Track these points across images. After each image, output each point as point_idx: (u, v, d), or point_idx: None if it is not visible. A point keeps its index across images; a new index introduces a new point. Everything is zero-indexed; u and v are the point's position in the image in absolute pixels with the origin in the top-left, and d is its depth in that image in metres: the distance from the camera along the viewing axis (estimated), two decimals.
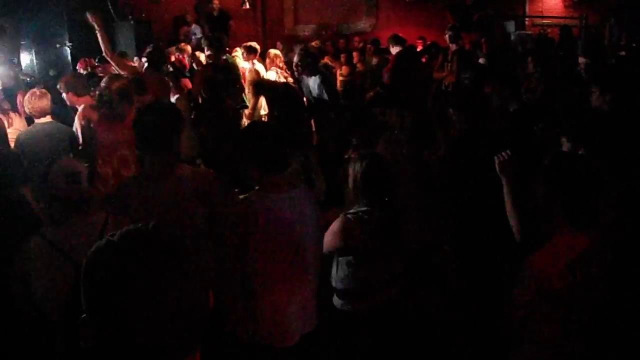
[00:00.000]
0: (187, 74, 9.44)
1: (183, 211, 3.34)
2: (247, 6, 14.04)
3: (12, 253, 2.91)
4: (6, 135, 4.97)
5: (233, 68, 8.38)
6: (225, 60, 8.05)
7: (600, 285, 2.52)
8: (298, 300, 3.17)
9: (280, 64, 9.87)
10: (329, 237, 3.46)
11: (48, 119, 5.64)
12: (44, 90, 5.81)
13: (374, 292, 3.58)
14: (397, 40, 9.07)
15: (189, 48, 10.72)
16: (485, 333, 3.92)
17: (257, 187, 3.13)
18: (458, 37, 9.63)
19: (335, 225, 3.48)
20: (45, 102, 5.58)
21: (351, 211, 3.51)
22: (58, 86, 6.19)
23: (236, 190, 3.68)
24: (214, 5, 13.28)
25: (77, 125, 5.67)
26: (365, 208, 3.49)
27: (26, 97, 5.65)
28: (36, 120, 5.56)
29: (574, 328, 2.52)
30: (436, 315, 4.65)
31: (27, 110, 5.63)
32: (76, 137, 5.59)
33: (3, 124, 5.07)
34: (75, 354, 2.77)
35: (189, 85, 8.44)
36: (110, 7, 10.61)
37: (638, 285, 2.80)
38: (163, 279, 1.21)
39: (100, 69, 8.98)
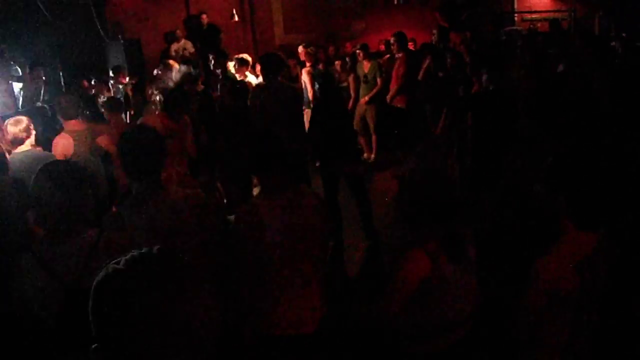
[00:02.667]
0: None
1: (177, 233, 3.26)
2: (237, 19, 14.06)
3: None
4: (6, 162, 4.89)
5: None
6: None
7: (607, 283, 2.50)
8: (303, 294, 3.28)
9: None
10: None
11: (27, 147, 5.43)
12: (20, 117, 5.61)
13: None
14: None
15: (176, 65, 10.69)
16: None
17: (259, 192, 3.28)
18: (445, 38, 9.65)
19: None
20: (19, 129, 5.37)
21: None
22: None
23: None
24: (202, 20, 13.30)
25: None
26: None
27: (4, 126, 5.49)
28: (13, 151, 5.30)
29: (583, 329, 2.50)
30: None
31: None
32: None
33: (3, 150, 4.99)
34: None
35: None
36: (99, 27, 10.60)
37: None
38: (172, 302, 1.21)
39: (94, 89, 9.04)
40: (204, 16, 13.33)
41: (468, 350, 3.01)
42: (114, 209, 3.38)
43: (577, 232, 2.52)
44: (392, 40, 9.23)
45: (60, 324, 2.77)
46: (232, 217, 3.32)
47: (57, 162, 2.95)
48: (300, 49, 10.71)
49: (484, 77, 6.37)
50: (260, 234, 3.13)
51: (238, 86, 7.10)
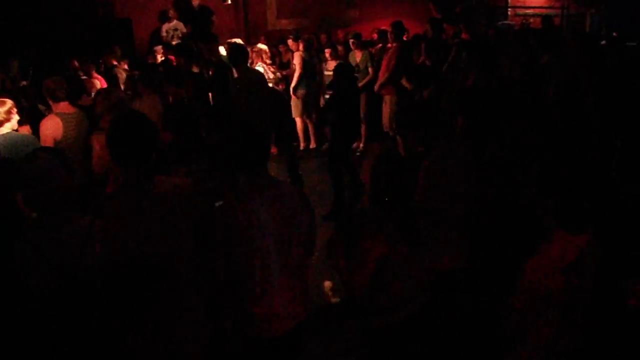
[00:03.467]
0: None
1: (164, 225, 3.21)
2: (229, 2, 13.95)
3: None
4: None
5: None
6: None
7: (592, 283, 2.52)
8: (285, 293, 3.27)
9: (267, 60, 9.93)
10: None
11: (7, 129, 5.39)
12: (3, 99, 5.54)
13: (395, 306, 3.35)
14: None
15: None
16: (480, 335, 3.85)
17: (235, 188, 3.22)
18: (438, 29, 9.62)
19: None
20: (4, 110, 5.34)
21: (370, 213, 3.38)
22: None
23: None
24: (192, 2, 13.14)
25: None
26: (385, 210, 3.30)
27: None
28: None
29: (569, 328, 2.53)
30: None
31: None
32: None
33: None
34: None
35: None
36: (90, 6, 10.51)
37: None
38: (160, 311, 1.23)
39: None
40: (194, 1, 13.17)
41: (423, 321, 3.37)
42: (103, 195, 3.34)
43: (565, 235, 2.54)
44: (389, 29, 9.18)
45: (58, 311, 2.79)
46: (219, 204, 3.30)
47: (46, 149, 2.96)
48: (290, 42, 10.79)
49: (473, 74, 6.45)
50: (238, 233, 3.11)
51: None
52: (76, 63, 9.47)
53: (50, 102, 5.98)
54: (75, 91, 7.84)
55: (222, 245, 3.16)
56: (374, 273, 3.20)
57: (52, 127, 5.74)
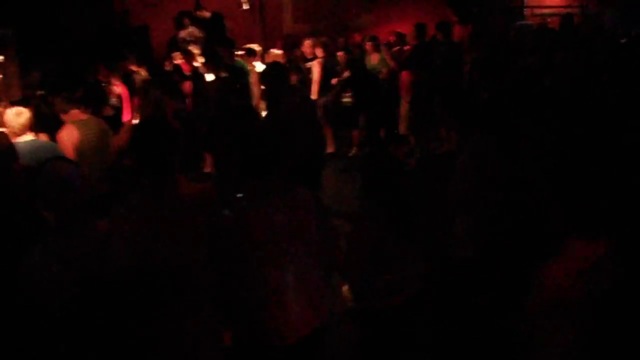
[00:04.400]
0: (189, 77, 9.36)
1: (187, 229, 3.23)
2: (245, 7, 13.99)
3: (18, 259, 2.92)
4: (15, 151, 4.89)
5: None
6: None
7: (611, 298, 2.46)
8: (299, 300, 3.22)
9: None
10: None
11: (30, 137, 5.46)
12: (21, 109, 5.60)
13: (385, 292, 3.62)
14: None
15: (195, 51, 10.64)
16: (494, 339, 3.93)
17: (246, 193, 3.23)
18: (446, 31, 9.60)
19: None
20: (21, 121, 5.40)
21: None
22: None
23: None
24: (200, 15, 13.11)
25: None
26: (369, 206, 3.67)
27: (5, 115, 5.50)
28: (15, 140, 5.23)
29: (585, 338, 2.48)
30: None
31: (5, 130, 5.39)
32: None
33: (9, 139, 4.98)
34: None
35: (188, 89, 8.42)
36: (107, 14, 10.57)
37: None
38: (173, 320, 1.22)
39: None
40: (198, 12, 13.13)
41: (418, 306, 3.72)
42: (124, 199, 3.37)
43: (582, 241, 2.49)
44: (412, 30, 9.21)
45: (75, 315, 2.80)
46: (226, 212, 3.28)
47: (61, 159, 3.00)
48: (308, 42, 10.63)
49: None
50: (245, 237, 3.10)
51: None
52: (103, 69, 9.43)
53: (63, 116, 6.05)
54: (97, 101, 7.92)
55: (234, 252, 3.14)
56: (368, 259, 3.50)
57: (68, 135, 5.81)
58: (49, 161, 3.06)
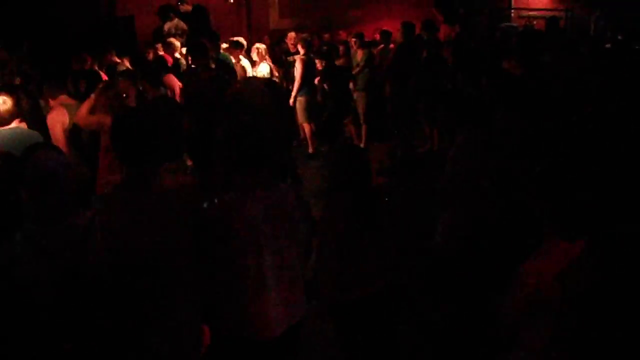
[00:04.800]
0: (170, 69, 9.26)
1: (167, 222, 3.19)
2: (232, 0, 13.92)
3: None
4: None
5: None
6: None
7: (589, 298, 2.47)
8: (278, 295, 3.24)
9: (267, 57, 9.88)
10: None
11: (15, 124, 5.31)
12: (5, 97, 5.37)
13: (355, 284, 3.66)
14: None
15: (177, 43, 10.56)
16: (472, 334, 3.98)
17: (230, 188, 3.20)
18: (431, 29, 9.63)
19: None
20: (4, 110, 5.24)
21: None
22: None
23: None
24: (185, 6, 13.03)
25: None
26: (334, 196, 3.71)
27: None
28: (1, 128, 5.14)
29: (563, 337, 2.49)
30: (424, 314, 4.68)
31: None
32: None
33: None
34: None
35: (173, 80, 8.32)
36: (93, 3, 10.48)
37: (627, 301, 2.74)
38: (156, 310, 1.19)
39: None
40: (183, 5, 13.05)
41: (387, 298, 3.75)
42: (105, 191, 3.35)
43: (560, 242, 2.52)
44: (400, 28, 9.19)
45: (57, 308, 2.75)
46: (205, 205, 3.25)
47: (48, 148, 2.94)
48: (292, 34, 10.59)
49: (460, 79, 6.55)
50: (227, 232, 3.11)
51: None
52: (90, 59, 9.32)
53: (50, 100, 6.11)
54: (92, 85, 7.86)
55: (215, 245, 3.14)
56: (336, 251, 3.55)
57: (59, 116, 5.83)
58: (35, 149, 2.98)
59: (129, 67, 9.38)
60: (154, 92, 6.43)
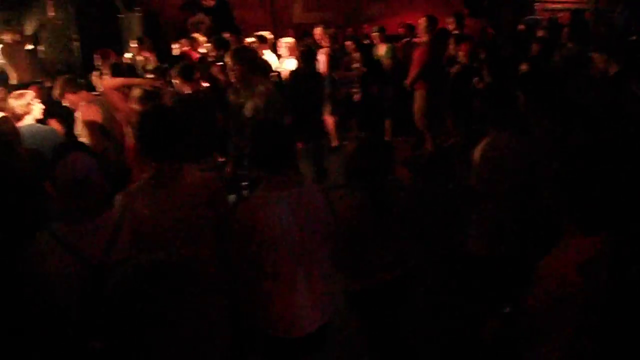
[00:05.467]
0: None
1: (195, 216, 3.28)
2: None
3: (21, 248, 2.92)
4: (18, 134, 4.88)
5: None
6: None
7: (609, 291, 2.48)
8: (308, 294, 3.22)
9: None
10: None
11: (30, 121, 5.45)
12: (24, 91, 5.66)
13: (369, 273, 3.71)
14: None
15: (201, 38, 10.60)
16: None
17: (259, 186, 3.21)
18: (461, 24, 9.55)
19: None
20: (19, 104, 5.40)
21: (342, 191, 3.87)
22: (53, 93, 6.22)
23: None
24: (203, 3, 13.08)
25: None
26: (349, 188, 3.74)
27: (8, 98, 5.52)
28: (17, 124, 5.19)
29: (584, 333, 2.50)
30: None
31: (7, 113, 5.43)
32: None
33: (14, 124, 4.97)
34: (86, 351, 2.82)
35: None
36: None
37: None
38: (184, 309, 1.24)
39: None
40: (204, 1, 13.11)
41: (398, 288, 3.80)
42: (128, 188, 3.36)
43: (580, 235, 2.51)
44: (423, 22, 9.04)
45: (83, 305, 2.79)
46: (231, 197, 3.30)
47: (80, 151, 2.97)
48: (318, 29, 10.57)
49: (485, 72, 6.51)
50: (255, 232, 3.07)
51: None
52: (113, 55, 9.41)
53: (72, 95, 6.10)
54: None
55: (243, 244, 3.13)
56: (348, 239, 3.54)
57: (93, 113, 5.88)
58: (66, 151, 2.98)
59: (155, 62, 9.46)
60: (191, 87, 6.39)
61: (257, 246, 3.09)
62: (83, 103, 6.05)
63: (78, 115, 5.95)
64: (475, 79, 7.17)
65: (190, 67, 6.47)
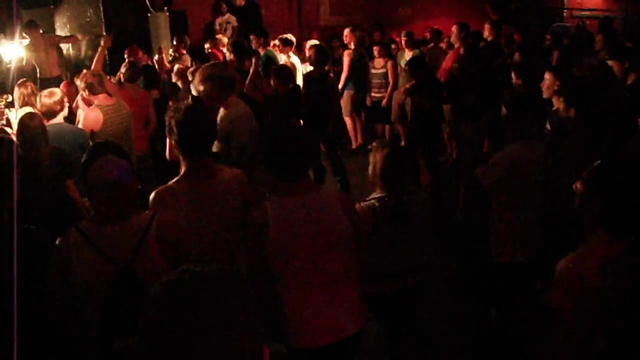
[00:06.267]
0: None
1: (230, 209, 3.48)
2: None
3: (50, 245, 2.92)
4: (45, 131, 4.93)
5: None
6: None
7: (629, 293, 2.50)
8: (325, 302, 3.14)
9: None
10: None
11: (59, 119, 5.52)
12: (54, 89, 5.73)
13: (385, 279, 3.84)
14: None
15: (224, 39, 10.67)
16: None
17: (274, 191, 3.22)
18: (498, 31, 9.45)
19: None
20: (52, 102, 5.46)
21: (367, 199, 3.85)
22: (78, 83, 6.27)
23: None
24: (234, 2, 13.15)
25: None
26: (379, 196, 3.79)
27: (40, 96, 5.56)
28: (46, 122, 5.24)
29: (602, 330, 2.52)
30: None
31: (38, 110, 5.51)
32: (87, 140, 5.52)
33: (42, 122, 5.02)
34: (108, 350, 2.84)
35: None
36: None
37: None
38: (220, 327, 1.25)
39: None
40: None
41: (414, 295, 4.00)
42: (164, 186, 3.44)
43: (605, 237, 2.54)
44: (453, 29, 8.96)
45: (107, 305, 2.80)
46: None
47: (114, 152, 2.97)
48: (346, 31, 10.60)
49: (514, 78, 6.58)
50: (267, 237, 3.03)
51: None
52: (141, 53, 9.49)
53: (89, 95, 6.11)
54: (151, 81, 8.08)
55: (256, 249, 3.10)
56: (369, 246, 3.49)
57: (93, 119, 5.92)
58: (100, 152, 2.91)
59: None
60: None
61: (269, 251, 3.05)
62: (87, 108, 6.11)
63: (79, 116, 6.13)
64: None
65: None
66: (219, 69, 5.05)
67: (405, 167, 3.86)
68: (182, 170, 3.48)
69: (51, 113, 5.45)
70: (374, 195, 3.85)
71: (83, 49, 11.03)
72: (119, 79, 7.31)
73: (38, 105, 5.57)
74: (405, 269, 3.88)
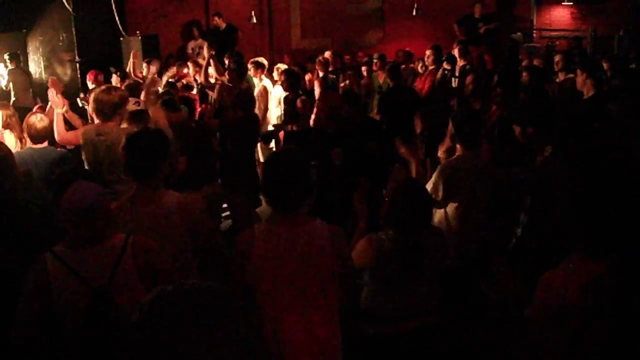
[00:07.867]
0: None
1: (166, 238, 3.32)
2: (254, 20, 14.05)
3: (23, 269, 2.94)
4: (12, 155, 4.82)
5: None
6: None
7: (609, 315, 2.53)
8: (303, 339, 3.06)
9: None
10: (354, 256, 3.49)
11: (44, 144, 5.44)
12: (42, 115, 5.60)
13: (399, 318, 3.61)
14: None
15: (201, 61, 10.63)
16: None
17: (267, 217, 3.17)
18: (466, 52, 9.59)
19: (360, 244, 3.60)
20: (42, 127, 5.38)
21: (381, 233, 3.61)
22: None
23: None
24: (219, 20, 13.25)
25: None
26: (393, 232, 3.56)
27: (27, 119, 5.47)
28: (31, 146, 5.26)
29: (582, 350, 2.55)
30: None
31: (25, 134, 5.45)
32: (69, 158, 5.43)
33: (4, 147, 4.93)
34: None
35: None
36: (118, 22, 10.58)
37: None
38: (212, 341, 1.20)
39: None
40: (216, 19, 13.28)
41: (426, 337, 3.66)
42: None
43: (586, 257, 2.60)
44: (427, 52, 9.18)
45: (84, 328, 2.80)
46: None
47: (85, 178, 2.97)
48: (328, 54, 10.71)
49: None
50: (249, 262, 2.99)
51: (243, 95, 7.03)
52: (116, 77, 9.35)
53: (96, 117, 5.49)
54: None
55: (240, 272, 3.05)
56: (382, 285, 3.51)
57: (69, 138, 5.66)
58: (70, 178, 3.00)
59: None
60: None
61: (250, 277, 3.01)
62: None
63: None
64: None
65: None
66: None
67: (419, 204, 3.62)
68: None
69: (40, 137, 5.40)
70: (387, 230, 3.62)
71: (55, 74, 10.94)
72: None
73: (24, 126, 5.51)
74: (415, 311, 3.63)
